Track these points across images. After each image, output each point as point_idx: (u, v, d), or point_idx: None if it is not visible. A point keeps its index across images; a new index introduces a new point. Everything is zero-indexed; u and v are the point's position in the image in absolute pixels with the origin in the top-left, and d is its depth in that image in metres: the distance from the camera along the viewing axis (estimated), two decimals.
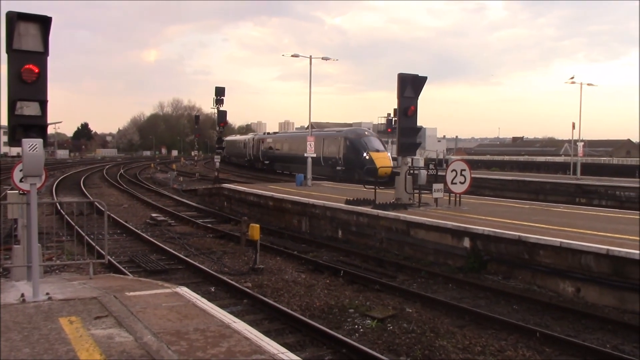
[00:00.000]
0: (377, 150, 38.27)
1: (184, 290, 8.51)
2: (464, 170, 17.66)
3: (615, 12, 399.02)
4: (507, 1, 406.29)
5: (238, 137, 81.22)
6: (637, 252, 10.35)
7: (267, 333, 7.58)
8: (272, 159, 54.38)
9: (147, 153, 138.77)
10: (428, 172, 18.56)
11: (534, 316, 10.25)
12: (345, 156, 39.12)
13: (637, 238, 12.01)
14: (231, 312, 8.08)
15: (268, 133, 66.64)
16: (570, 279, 11.40)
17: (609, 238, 11.98)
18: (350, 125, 75.53)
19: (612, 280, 10.66)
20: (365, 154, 37.37)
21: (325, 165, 40.86)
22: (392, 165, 33.84)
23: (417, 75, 18.18)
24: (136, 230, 19.64)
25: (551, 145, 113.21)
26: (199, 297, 8.25)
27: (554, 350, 8.56)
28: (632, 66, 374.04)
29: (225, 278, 12.70)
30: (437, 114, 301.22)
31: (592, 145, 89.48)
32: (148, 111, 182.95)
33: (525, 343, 8.82)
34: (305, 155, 29.45)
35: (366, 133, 40.96)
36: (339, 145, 40.22)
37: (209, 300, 8.59)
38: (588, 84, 40.47)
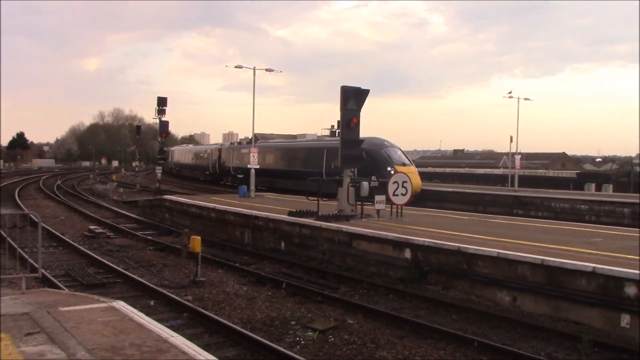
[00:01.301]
0: (404, 164, 31.43)
1: (120, 305, 8.29)
2: (406, 182, 17.91)
3: (550, 30, 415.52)
4: (448, 17, 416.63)
5: (193, 147, 75.93)
6: (570, 262, 10.70)
7: (206, 347, 7.47)
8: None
9: (87, 163, 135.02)
10: (370, 184, 18.69)
11: (472, 325, 10.44)
12: (363, 172, 28.29)
13: (571, 248, 12.43)
14: (170, 326, 7.94)
15: (238, 143, 58.67)
16: (507, 289, 11.68)
17: (544, 248, 12.34)
18: (294, 137, 73.44)
19: (546, 290, 10.98)
20: (389, 169, 29.30)
21: (330, 182, 29.35)
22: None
23: (360, 88, 18.40)
24: (73, 243, 19.06)
25: (490, 157, 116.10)
26: (136, 311, 8.04)
27: (491, 358, 8.74)
28: (567, 82, 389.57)
29: (165, 291, 12.45)
30: (380, 126, 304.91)
31: (529, 158, 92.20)
32: (88, 121, 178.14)
33: (464, 352, 8.99)
34: (249, 166, 29.23)
35: (386, 143, 33.37)
36: None
37: (148, 314, 8.40)
38: (525, 99, 41.55)
